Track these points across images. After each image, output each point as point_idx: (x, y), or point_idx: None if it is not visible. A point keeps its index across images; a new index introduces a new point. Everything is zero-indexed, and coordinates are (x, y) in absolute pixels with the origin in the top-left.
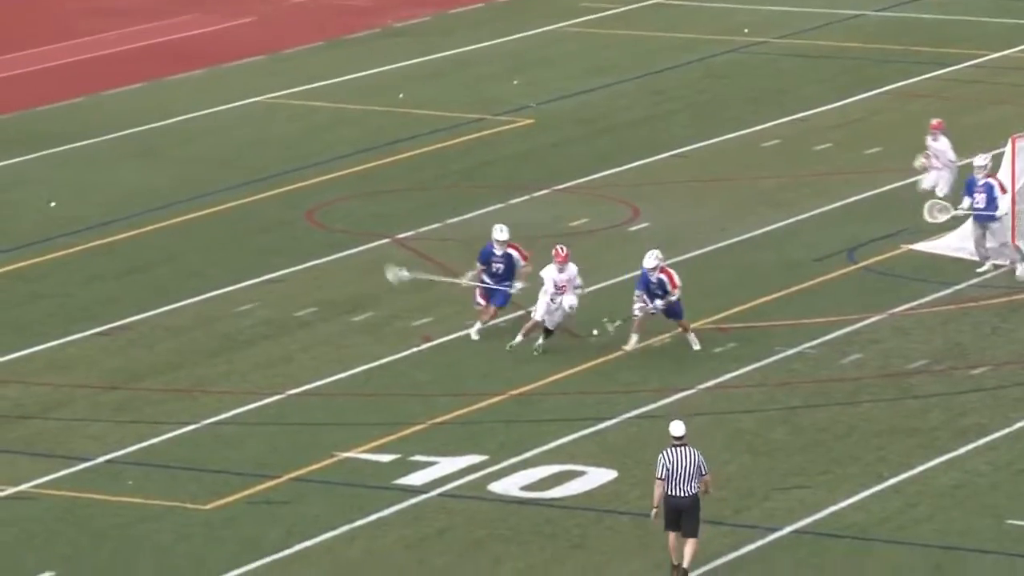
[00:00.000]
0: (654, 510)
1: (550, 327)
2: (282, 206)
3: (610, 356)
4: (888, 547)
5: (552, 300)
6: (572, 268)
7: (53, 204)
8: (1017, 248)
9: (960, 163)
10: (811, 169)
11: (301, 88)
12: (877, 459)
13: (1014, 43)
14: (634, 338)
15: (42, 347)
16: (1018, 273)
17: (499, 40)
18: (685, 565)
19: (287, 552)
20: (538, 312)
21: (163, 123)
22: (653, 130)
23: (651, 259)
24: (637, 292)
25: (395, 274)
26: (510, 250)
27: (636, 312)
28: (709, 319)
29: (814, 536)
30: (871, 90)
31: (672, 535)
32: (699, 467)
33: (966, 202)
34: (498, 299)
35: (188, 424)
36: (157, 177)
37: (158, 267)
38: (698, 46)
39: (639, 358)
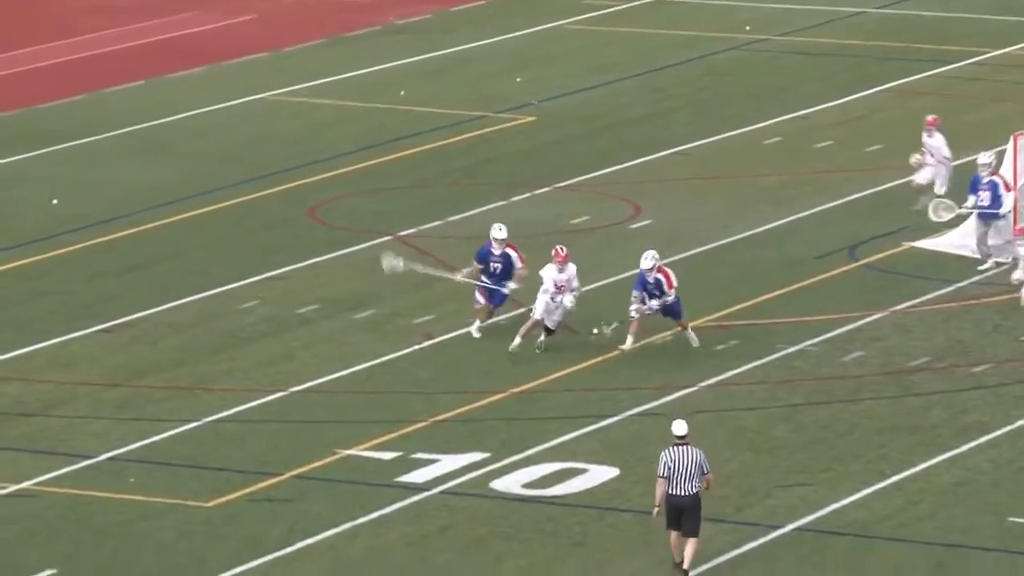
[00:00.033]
0: (656, 508)
1: (551, 326)
2: (284, 203)
3: (611, 354)
4: (890, 545)
5: (552, 299)
6: (571, 268)
7: (55, 201)
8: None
9: (958, 161)
10: (812, 167)
11: (303, 85)
12: (879, 457)
13: (1015, 40)
14: (630, 339)
15: (44, 344)
16: (1013, 277)
17: (501, 37)
18: (685, 566)
19: (289, 550)
20: (537, 311)
21: (165, 120)
22: (654, 128)
23: (648, 260)
24: (635, 293)
25: (390, 263)
26: (508, 250)
27: (632, 313)
28: (711, 316)
29: (816, 534)
30: (872, 88)
31: (674, 534)
32: (701, 467)
33: (971, 200)
34: (496, 299)
35: (190, 421)
36: (159, 174)
37: (160, 264)
38: (699, 43)
39: (640, 356)
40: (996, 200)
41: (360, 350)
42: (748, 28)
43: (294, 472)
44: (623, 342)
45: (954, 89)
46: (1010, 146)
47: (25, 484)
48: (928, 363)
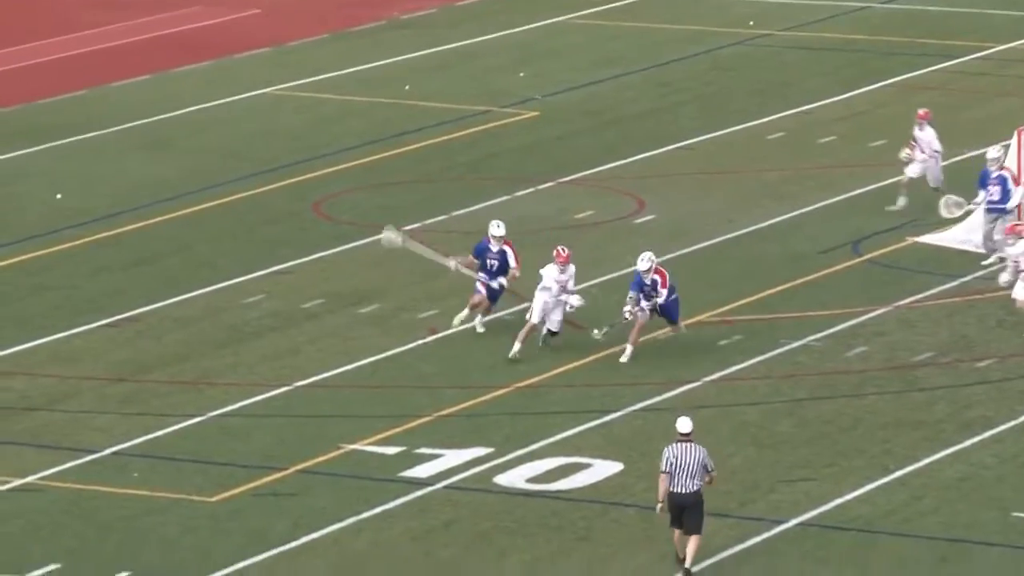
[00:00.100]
0: (660, 504)
1: (554, 328)
2: (289, 198)
3: (615, 349)
4: (894, 540)
5: (551, 299)
6: (571, 268)
7: (59, 196)
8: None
9: (959, 157)
10: (816, 162)
11: (308, 80)
12: (883, 452)
13: (1020, 35)
14: (629, 351)
15: (48, 339)
16: (1001, 279)
17: (505, 32)
18: (687, 563)
19: (293, 544)
20: (534, 315)
21: (170, 115)
22: (659, 122)
23: (644, 262)
24: (631, 294)
25: (389, 238)
26: (505, 247)
27: (626, 315)
28: (714, 311)
29: (820, 529)
30: (876, 83)
31: (677, 532)
32: (703, 464)
33: (980, 195)
34: (491, 294)
35: (194, 416)
36: (164, 169)
37: (164, 259)
38: (704, 38)
39: (643, 352)
40: (1006, 194)
41: (365, 344)
42: (752, 23)
43: (299, 467)
44: (622, 353)
45: (959, 84)
46: (1014, 141)
47: (29, 478)
48: (932, 358)
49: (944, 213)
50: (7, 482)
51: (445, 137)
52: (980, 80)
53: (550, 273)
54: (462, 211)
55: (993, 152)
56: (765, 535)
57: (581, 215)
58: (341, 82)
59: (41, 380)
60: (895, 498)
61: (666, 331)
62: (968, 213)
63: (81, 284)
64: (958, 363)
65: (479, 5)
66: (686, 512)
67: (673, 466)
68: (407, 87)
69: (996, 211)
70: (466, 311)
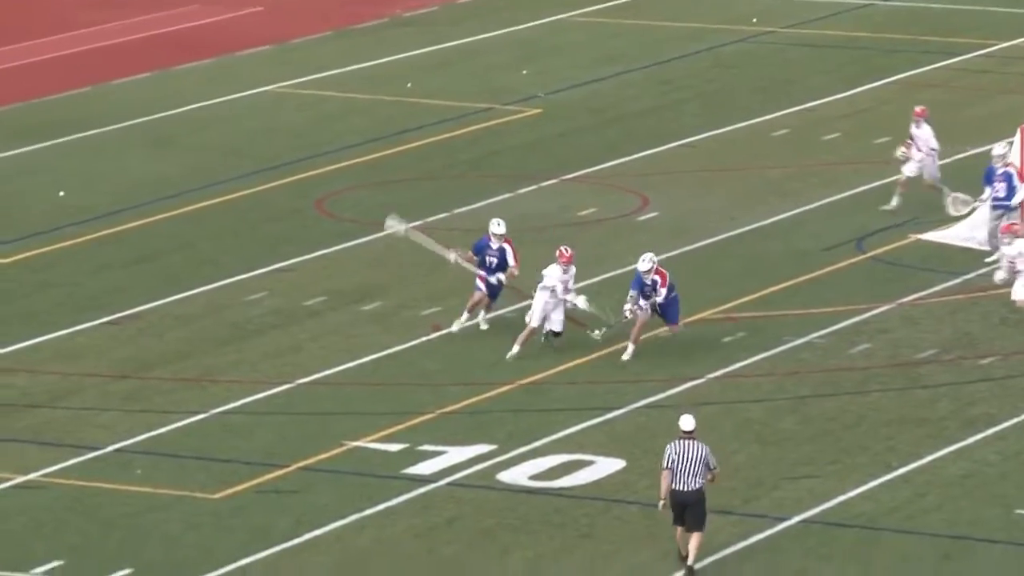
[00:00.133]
0: (662, 501)
1: (557, 328)
2: (291, 195)
3: (618, 346)
4: (897, 537)
5: (557, 298)
6: (572, 268)
7: (62, 193)
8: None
9: (962, 155)
10: (819, 159)
11: (310, 78)
12: (886, 449)
13: (1023, 32)
14: (631, 349)
15: (51, 336)
16: (997, 277)
17: (507, 29)
18: (690, 561)
19: (296, 541)
20: (534, 318)
21: (172, 112)
22: (661, 120)
23: (645, 262)
24: (632, 293)
25: (392, 225)
26: (505, 245)
27: (627, 313)
28: (718, 308)
29: (823, 526)
30: (879, 80)
31: (679, 529)
32: (705, 462)
33: (987, 191)
34: (492, 295)
35: (197, 413)
36: (166, 166)
37: (167, 256)
38: (706, 36)
39: (646, 348)
40: (1011, 191)
41: (367, 342)
42: (755, 20)
43: (301, 464)
44: (624, 351)
45: (962, 81)
46: (1017, 138)
47: (32, 476)
48: (935, 355)
49: (952, 211)
50: (10, 479)
51: (447, 134)
52: (983, 78)
53: (553, 273)
54: (464, 208)
55: (999, 149)
56: (768, 532)
57: (584, 212)
58: (343, 79)
59: (43, 377)
60: (898, 495)
61: (663, 330)
62: (974, 210)
63: (83, 281)
64: (961, 360)
65: (481, 3)
66: (688, 510)
67: (675, 463)
68: (409, 84)
69: (1002, 207)
70: (465, 314)
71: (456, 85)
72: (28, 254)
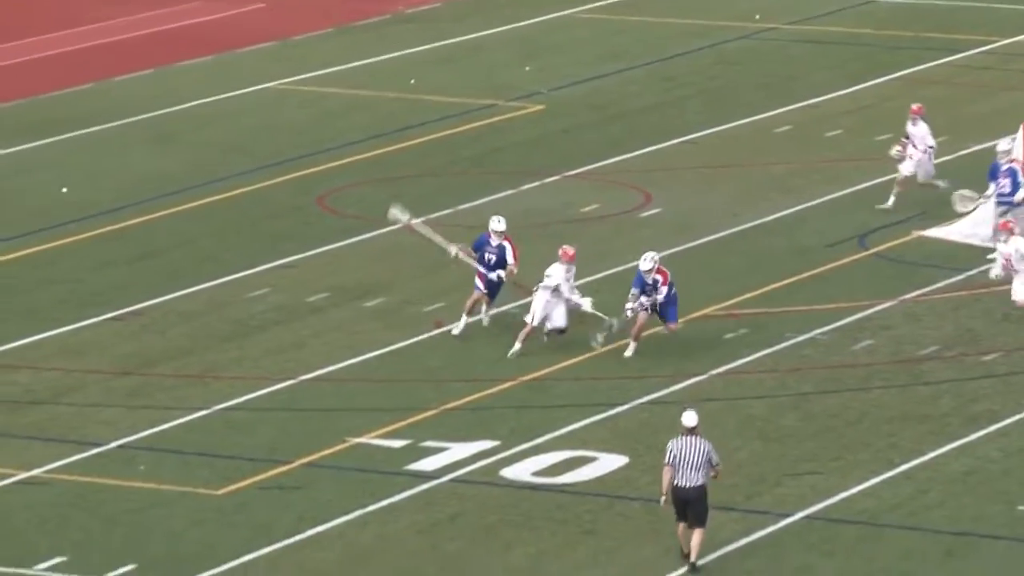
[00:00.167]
0: (663, 497)
1: (561, 324)
2: (294, 192)
3: (621, 342)
4: (899, 533)
5: (559, 297)
6: (573, 267)
7: (64, 190)
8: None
9: (969, 150)
10: (822, 155)
11: (312, 74)
12: (888, 445)
13: None
14: (633, 346)
15: (54, 332)
16: (992, 273)
17: (510, 26)
18: (692, 557)
19: (299, 537)
20: (535, 317)
21: (174, 109)
22: (664, 116)
23: (647, 261)
24: (633, 291)
25: (395, 214)
26: (505, 243)
27: (628, 313)
28: (720, 305)
29: (825, 522)
30: (882, 76)
31: (681, 525)
32: (708, 458)
33: (991, 188)
34: (492, 293)
35: (200, 410)
36: (168, 163)
37: (169, 253)
38: (709, 32)
39: (650, 344)
40: (1016, 187)
41: (370, 338)
42: (758, 17)
43: (304, 460)
44: (626, 348)
45: (964, 78)
46: (1020, 134)
47: (35, 472)
48: (938, 352)
49: (959, 208)
50: (13, 475)
51: (450, 131)
52: (985, 74)
53: (557, 272)
54: (467, 205)
55: (1003, 145)
56: (771, 528)
57: (587, 208)
58: (346, 76)
59: (46, 374)
60: (901, 491)
61: (660, 329)
62: (979, 206)
63: (86, 278)
64: (964, 357)
65: None
66: (690, 506)
67: (677, 459)
68: (412, 81)
69: (1006, 204)
70: (464, 317)
71: (459, 81)
72: (31, 250)
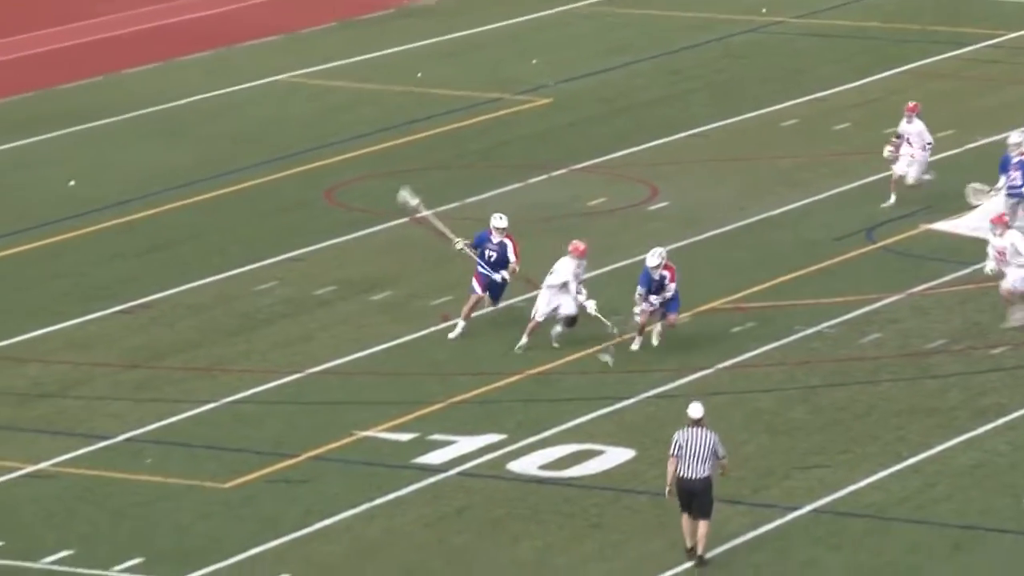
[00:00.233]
0: (668, 488)
1: (571, 312)
2: (301, 185)
3: (627, 336)
4: (907, 526)
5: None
6: (584, 262)
7: (72, 183)
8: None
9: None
10: (829, 149)
11: (319, 68)
12: (896, 439)
13: None
14: (638, 340)
15: (62, 326)
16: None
17: (517, 19)
18: (699, 550)
19: (306, 531)
20: (539, 313)
21: (182, 102)
22: (671, 109)
23: (655, 257)
24: (640, 291)
25: (404, 198)
26: (506, 240)
27: (637, 317)
28: (728, 298)
29: (833, 515)
30: (890, 70)
31: (685, 517)
32: (714, 450)
33: (1002, 180)
34: (494, 291)
35: (207, 403)
36: (176, 156)
37: (177, 246)
38: (715, 26)
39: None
40: None
41: (377, 331)
42: (764, 10)
43: (311, 453)
44: (632, 342)
45: (972, 71)
46: None
47: (43, 465)
48: (945, 345)
49: (972, 200)
50: (20, 468)
51: (457, 124)
52: (993, 67)
53: (566, 266)
54: (474, 198)
55: (1015, 137)
56: (778, 522)
57: (594, 202)
58: (352, 70)
59: (55, 367)
60: (908, 485)
61: (682, 318)
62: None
63: (94, 271)
64: (971, 350)
65: None
66: (695, 497)
67: (682, 451)
68: (419, 75)
69: (1017, 196)
70: (462, 322)
71: (465, 75)
72: (39, 243)
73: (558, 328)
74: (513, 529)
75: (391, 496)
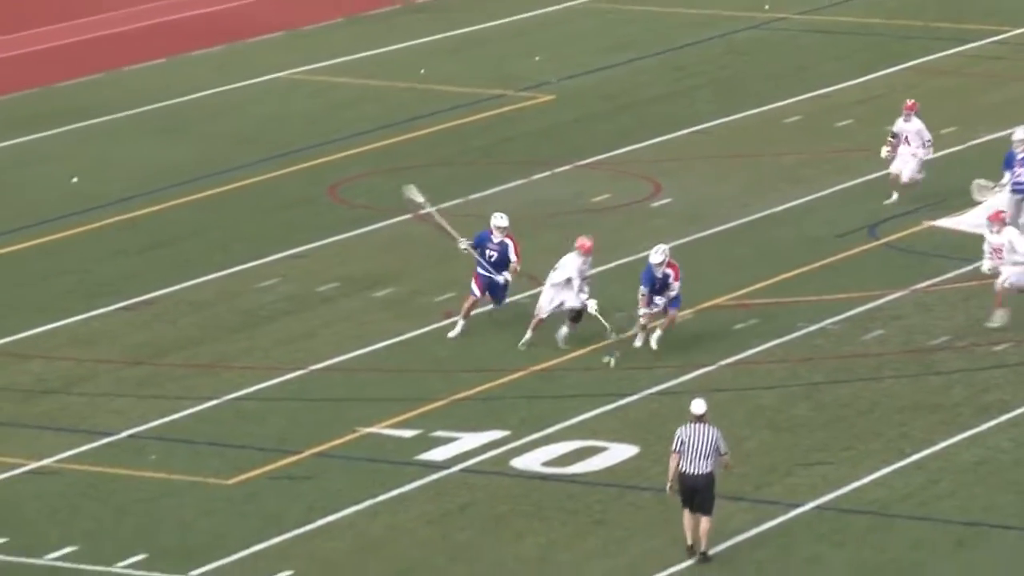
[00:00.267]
0: (669, 484)
1: (576, 304)
2: (304, 182)
3: (630, 333)
4: (910, 523)
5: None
6: (589, 259)
7: (75, 179)
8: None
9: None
10: (832, 145)
11: (322, 64)
12: (899, 435)
13: None
14: (641, 336)
15: (65, 322)
16: (985, 266)
17: (520, 16)
18: (702, 546)
19: (309, 527)
20: (543, 309)
21: (185, 99)
22: (675, 106)
23: (659, 254)
24: (642, 290)
25: (410, 195)
26: (507, 240)
27: (642, 319)
28: (731, 295)
29: (836, 512)
30: (893, 66)
31: (687, 514)
32: (716, 445)
33: (1006, 176)
34: (497, 292)
35: (210, 399)
36: (179, 153)
37: (180, 242)
38: (719, 22)
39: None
40: None
41: (380, 328)
42: (767, 7)
43: (314, 450)
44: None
45: (975, 68)
46: None
47: (46, 461)
48: (949, 342)
49: (977, 196)
50: (24, 465)
51: (460, 121)
52: (996, 64)
53: (572, 263)
54: (477, 195)
55: (1020, 133)
56: (781, 518)
57: (597, 199)
58: (356, 66)
59: (58, 363)
60: (912, 481)
61: (685, 314)
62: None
63: (97, 267)
64: (975, 347)
65: None
66: (698, 493)
67: (684, 446)
68: (422, 71)
69: (1022, 192)
70: (461, 322)
71: (469, 71)
72: (42, 240)
73: (564, 330)
74: (516, 526)
75: (394, 492)
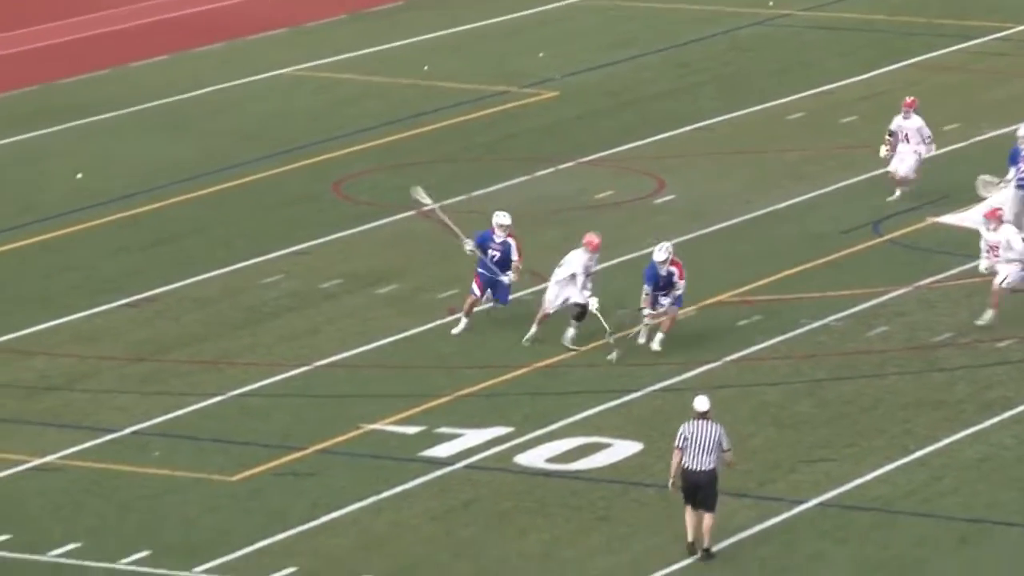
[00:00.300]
0: (671, 480)
1: (581, 300)
2: (308, 178)
3: (635, 329)
4: (913, 520)
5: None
6: (596, 256)
7: (79, 176)
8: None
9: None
10: (836, 142)
11: (326, 61)
12: (903, 432)
13: None
14: (644, 332)
15: (68, 319)
16: (982, 266)
17: (523, 12)
18: (705, 543)
19: (313, 524)
20: (549, 304)
21: (188, 95)
22: (678, 103)
23: (662, 252)
24: (646, 289)
25: (417, 195)
26: (510, 240)
27: (647, 320)
28: (734, 291)
29: (839, 509)
30: (897, 63)
31: (689, 510)
32: (719, 442)
33: (1011, 172)
34: (499, 293)
35: (214, 396)
36: (183, 149)
37: (184, 239)
38: (722, 19)
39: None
40: None
41: (384, 324)
42: (771, 3)
43: (318, 446)
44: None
45: (979, 64)
46: None
47: (50, 458)
48: (952, 338)
49: (982, 192)
50: (27, 461)
51: (464, 117)
52: (1000, 61)
53: (578, 259)
54: (481, 191)
55: None
56: (785, 515)
57: (601, 195)
58: (359, 63)
59: (61, 360)
60: (915, 478)
61: (688, 311)
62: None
63: (100, 264)
64: (978, 343)
65: None
66: (700, 490)
67: (687, 443)
68: (426, 67)
69: None
70: (464, 319)
71: (472, 68)
72: (46, 236)
73: (571, 331)
74: (520, 522)
75: (398, 489)
